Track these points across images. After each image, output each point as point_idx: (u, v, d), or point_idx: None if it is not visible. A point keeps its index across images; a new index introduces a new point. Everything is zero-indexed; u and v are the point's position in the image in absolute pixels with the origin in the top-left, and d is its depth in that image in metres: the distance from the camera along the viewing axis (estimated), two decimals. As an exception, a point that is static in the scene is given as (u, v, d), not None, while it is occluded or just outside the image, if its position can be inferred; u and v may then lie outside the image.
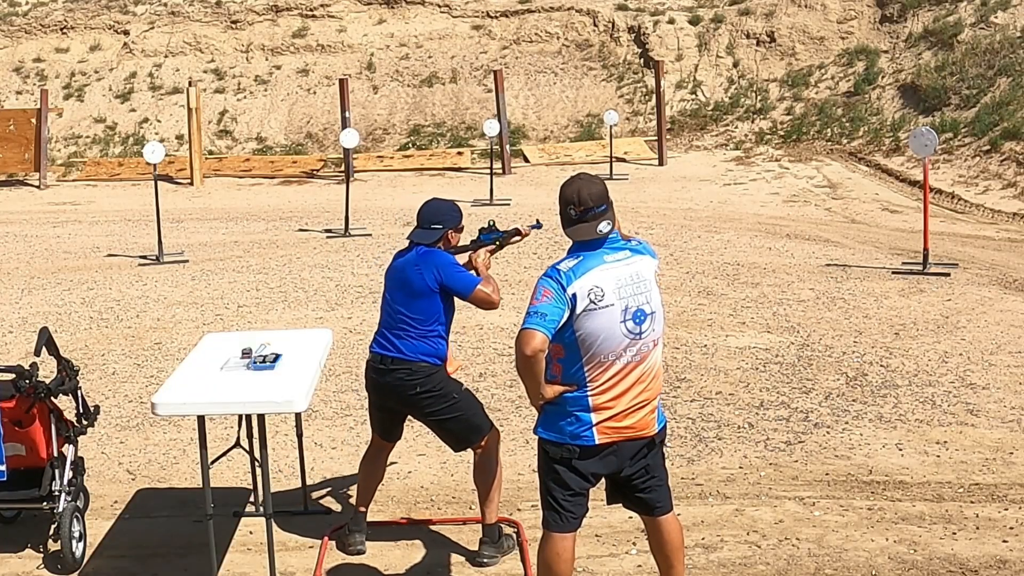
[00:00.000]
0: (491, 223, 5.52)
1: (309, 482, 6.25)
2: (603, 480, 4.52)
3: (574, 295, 4.19)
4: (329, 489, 6.36)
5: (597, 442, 4.32)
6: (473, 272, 5.32)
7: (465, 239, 5.50)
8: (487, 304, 5.25)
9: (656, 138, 20.74)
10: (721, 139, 21.68)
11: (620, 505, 4.64)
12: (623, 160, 20.35)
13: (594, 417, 4.30)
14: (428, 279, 5.19)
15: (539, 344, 4.15)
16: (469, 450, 5.50)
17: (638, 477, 4.45)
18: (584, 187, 4.32)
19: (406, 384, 5.24)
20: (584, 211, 4.29)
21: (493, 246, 5.49)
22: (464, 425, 5.35)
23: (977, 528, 5.64)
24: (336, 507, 6.09)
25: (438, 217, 5.30)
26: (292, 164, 21.19)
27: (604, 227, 4.30)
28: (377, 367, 5.32)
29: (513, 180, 19.17)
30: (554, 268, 4.29)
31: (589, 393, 4.29)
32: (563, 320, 4.21)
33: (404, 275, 5.27)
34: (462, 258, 5.41)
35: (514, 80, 23.21)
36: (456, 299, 5.30)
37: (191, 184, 19.77)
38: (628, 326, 4.27)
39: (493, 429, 5.44)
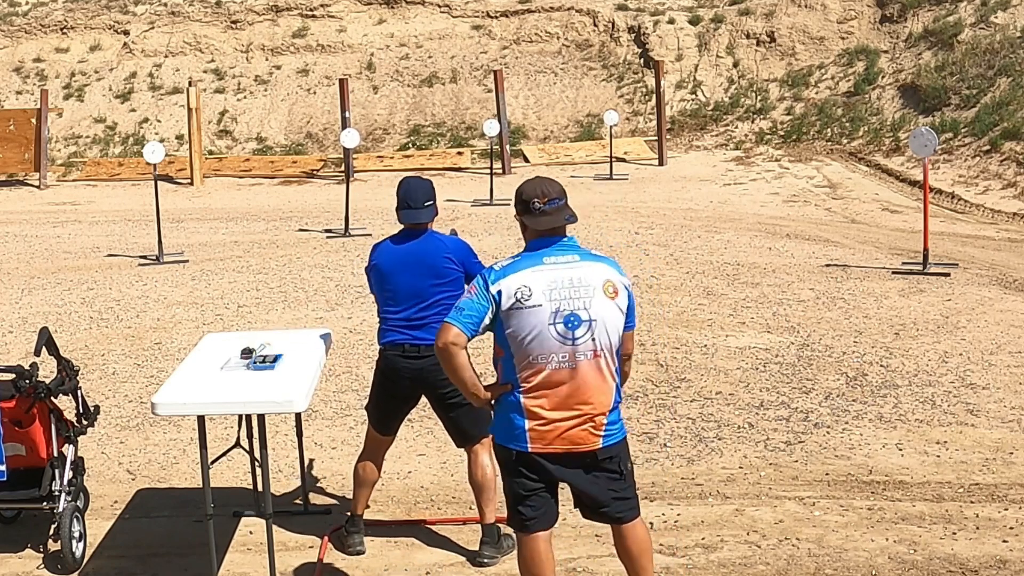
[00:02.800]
0: None
1: (309, 482, 6.25)
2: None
3: (498, 292, 4.25)
4: (329, 489, 6.36)
5: (530, 449, 4.29)
6: None
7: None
8: None
9: (656, 138, 20.74)
10: (721, 139, 21.68)
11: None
12: (623, 160, 20.35)
13: (527, 423, 4.28)
14: (458, 265, 5.31)
15: (451, 337, 4.25)
16: (463, 450, 5.51)
17: (590, 492, 4.38)
18: (546, 183, 4.42)
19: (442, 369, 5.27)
20: (548, 201, 4.35)
21: None
22: (483, 411, 5.38)
23: (977, 528, 5.64)
24: (336, 507, 6.09)
25: (428, 194, 5.40)
26: (292, 164, 21.20)
27: (568, 218, 4.37)
28: (409, 356, 5.28)
29: (513, 180, 19.13)
30: (489, 268, 4.40)
31: (521, 395, 4.28)
32: (488, 317, 4.28)
33: (434, 263, 5.29)
34: None
35: (514, 80, 23.21)
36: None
37: (191, 184, 19.78)
38: (559, 329, 4.23)
39: None
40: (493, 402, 4.42)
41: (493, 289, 4.26)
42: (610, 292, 4.30)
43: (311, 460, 6.67)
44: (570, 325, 4.23)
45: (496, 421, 4.43)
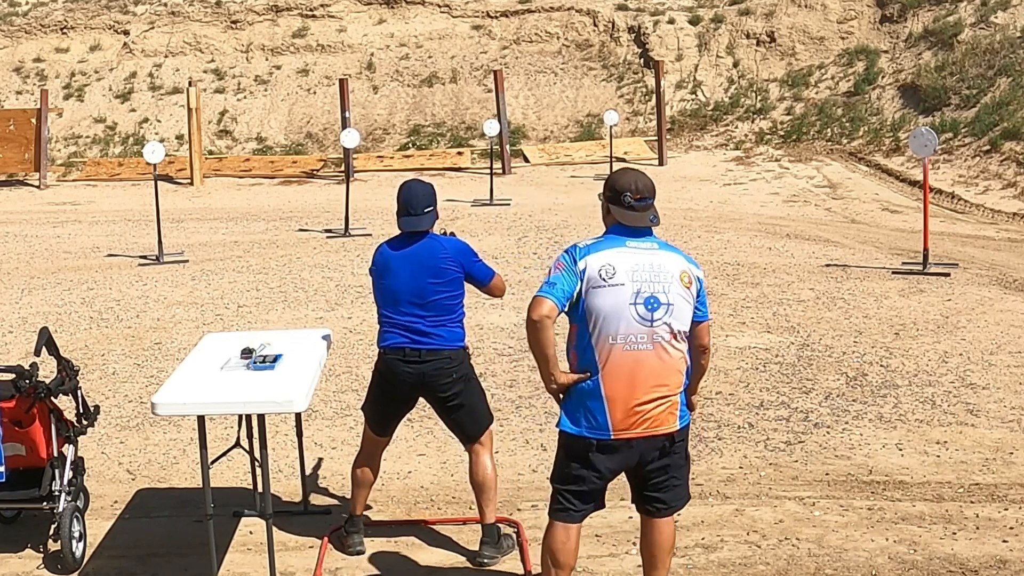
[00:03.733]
0: None
1: (309, 482, 6.25)
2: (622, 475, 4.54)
3: (584, 269, 4.31)
4: (329, 489, 6.36)
5: (613, 436, 4.33)
6: None
7: None
8: (499, 291, 5.49)
9: (656, 138, 20.74)
10: (721, 139, 21.68)
11: (622, 504, 4.64)
12: (623, 160, 20.33)
13: (608, 408, 4.31)
14: (456, 265, 5.28)
15: (546, 310, 4.25)
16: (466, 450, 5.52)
17: (657, 476, 4.45)
18: (640, 178, 4.47)
19: (444, 372, 5.26)
20: (640, 199, 4.41)
21: None
22: (483, 408, 5.42)
23: (977, 528, 5.64)
24: (336, 507, 6.09)
25: (429, 200, 5.37)
26: (292, 164, 21.20)
27: (653, 219, 4.43)
28: (409, 360, 5.26)
29: (513, 180, 19.17)
30: (573, 245, 4.44)
31: (601, 380, 4.30)
32: (575, 293, 4.31)
33: (432, 263, 5.27)
34: None
35: (514, 80, 23.21)
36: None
37: (191, 184, 19.78)
38: (639, 311, 4.30)
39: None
40: (561, 394, 4.45)
41: (580, 265, 4.32)
42: (686, 281, 4.40)
43: (318, 460, 6.67)
44: (650, 307, 4.32)
45: (569, 410, 4.41)
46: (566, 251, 4.41)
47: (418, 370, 5.26)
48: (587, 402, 4.34)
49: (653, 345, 4.32)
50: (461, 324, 5.37)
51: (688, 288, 4.39)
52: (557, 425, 4.51)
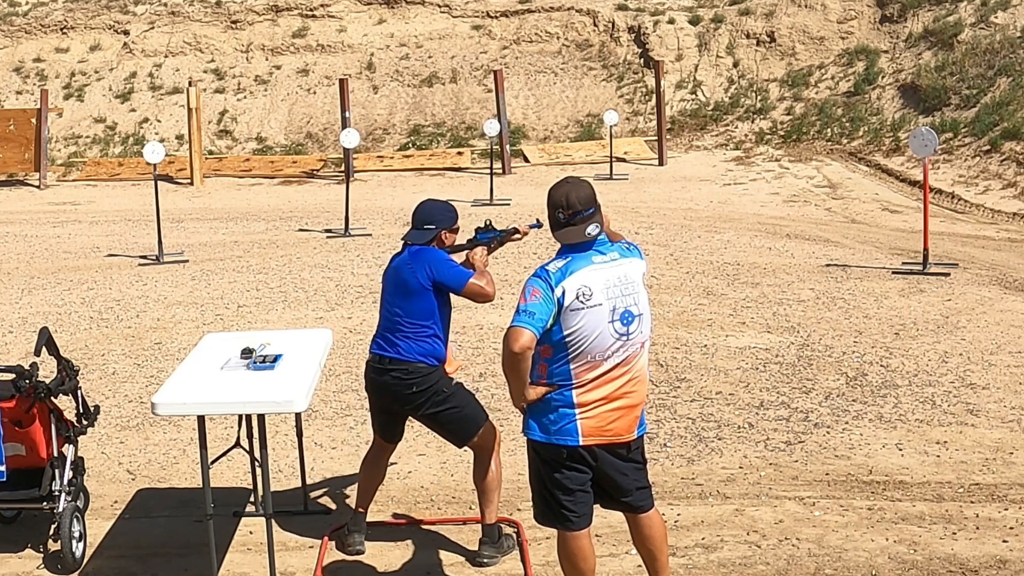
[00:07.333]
0: (488, 222, 5.56)
1: (309, 482, 6.25)
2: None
3: (562, 294, 4.27)
4: (329, 489, 6.37)
5: (581, 443, 4.36)
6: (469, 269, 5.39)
7: (462, 238, 5.52)
8: (481, 297, 5.27)
9: (656, 138, 20.74)
10: (721, 139, 21.68)
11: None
12: (623, 160, 20.35)
13: (579, 417, 4.34)
14: (421, 277, 5.22)
15: (527, 342, 4.23)
16: (470, 450, 5.51)
17: (619, 483, 4.48)
18: (572, 190, 4.39)
19: (402, 384, 5.27)
20: (573, 214, 4.36)
21: (490, 245, 5.52)
22: (460, 419, 5.36)
23: (977, 528, 5.65)
24: (336, 507, 6.09)
25: (431, 218, 5.34)
26: (292, 164, 21.19)
27: (592, 230, 4.37)
28: (375, 367, 5.35)
29: (513, 180, 19.17)
30: (543, 269, 4.37)
31: (575, 392, 4.33)
32: (551, 319, 4.28)
33: (399, 275, 5.31)
34: (459, 257, 5.43)
35: (514, 80, 23.21)
36: (452, 297, 5.34)
37: (191, 184, 19.77)
38: (616, 327, 4.32)
39: (493, 429, 5.45)
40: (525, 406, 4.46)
41: (557, 291, 4.28)
42: (646, 283, 4.46)
43: (311, 460, 6.67)
44: (625, 321, 4.35)
45: (538, 420, 4.42)
46: (539, 277, 4.33)
47: (380, 379, 5.32)
48: (559, 410, 4.36)
49: (627, 358, 4.36)
50: (432, 340, 5.28)
51: (647, 289, 4.48)
52: (524, 432, 4.50)
